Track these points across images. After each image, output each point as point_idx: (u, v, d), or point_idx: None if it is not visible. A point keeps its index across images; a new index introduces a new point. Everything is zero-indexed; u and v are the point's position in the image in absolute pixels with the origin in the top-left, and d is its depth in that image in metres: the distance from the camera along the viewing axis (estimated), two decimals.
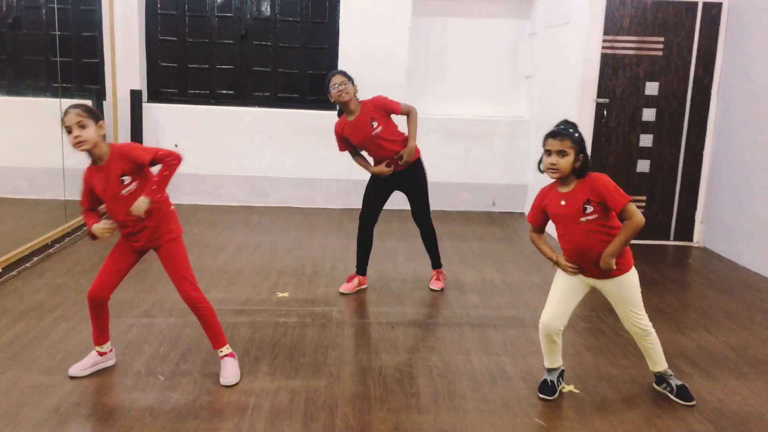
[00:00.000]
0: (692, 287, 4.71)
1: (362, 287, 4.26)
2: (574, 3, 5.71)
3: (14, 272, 4.32)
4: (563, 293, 2.85)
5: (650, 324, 2.86)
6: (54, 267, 4.51)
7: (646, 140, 5.61)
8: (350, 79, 3.92)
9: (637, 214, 2.64)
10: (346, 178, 6.45)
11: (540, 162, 2.78)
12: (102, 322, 2.94)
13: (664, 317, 3.97)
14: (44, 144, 5.81)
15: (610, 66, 5.49)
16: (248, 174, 6.69)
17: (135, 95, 6.38)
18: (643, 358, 3.00)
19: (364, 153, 4.15)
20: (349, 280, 4.24)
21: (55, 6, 6.11)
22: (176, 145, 6.58)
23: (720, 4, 5.44)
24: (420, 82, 6.83)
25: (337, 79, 3.88)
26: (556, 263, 2.86)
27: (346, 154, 4.18)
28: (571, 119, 2.81)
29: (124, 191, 2.75)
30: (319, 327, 3.64)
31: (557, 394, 2.93)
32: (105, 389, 2.87)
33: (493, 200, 6.89)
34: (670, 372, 2.97)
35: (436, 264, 4.38)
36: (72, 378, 2.93)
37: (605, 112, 5.56)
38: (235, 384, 2.93)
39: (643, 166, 5.65)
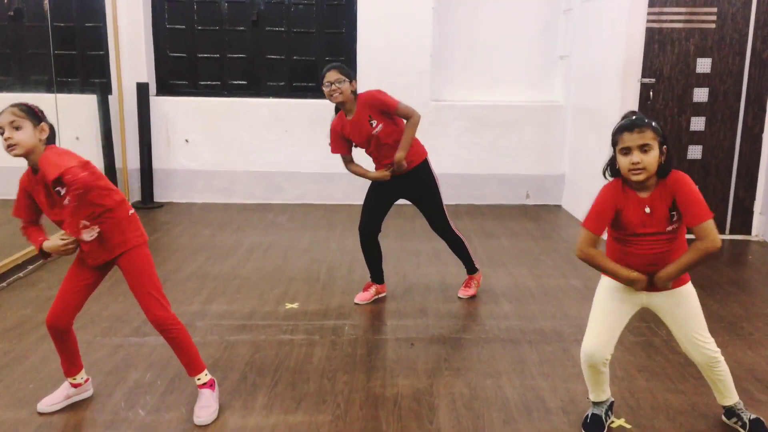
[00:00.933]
0: (755, 289, 4.16)
1: (380, 296, 3.83)
2: None
3: (3, 283, 3.99)
4: (608, 315, 2.35)
5: (719, 350, 2.36)
6: (48, 277, 4.17)
7: (697, 123, 5.04)
8: (347, 75, 3.44)
9: (716, 236, 2.14)
10: None
11: (607, 167, 2.28)
12: (69, 352, 2.55)
13: (727, 327, 3.45)
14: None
15: (657, 41, 4.93)
16: (263, 169, 6.29)
17: (142, 88, 6.01)
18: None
19: (360, 154, 3.69)
20: (366, 288, 3.81)
21: None
22: (187, 141, 6.23)
23: None
24: (446, 67, 6.34)
25: (331, 76, 3.40)
26: (635, 281, 2.23)
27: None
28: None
29: (64, 202, 2.35)
30: (329, 345, 3.21)
31: (605, 431, 2.46)
32: (75, 428, 2.49)
33: (527, 192, 6.38)
34: (741, 404, 2.47)
35: (471, 270, 3.91)
36: (41, 414, 2.56)
37: (651, 93, 4.99)
38: (211, 423, 2.50)
39: (695, 152, 5.09)
